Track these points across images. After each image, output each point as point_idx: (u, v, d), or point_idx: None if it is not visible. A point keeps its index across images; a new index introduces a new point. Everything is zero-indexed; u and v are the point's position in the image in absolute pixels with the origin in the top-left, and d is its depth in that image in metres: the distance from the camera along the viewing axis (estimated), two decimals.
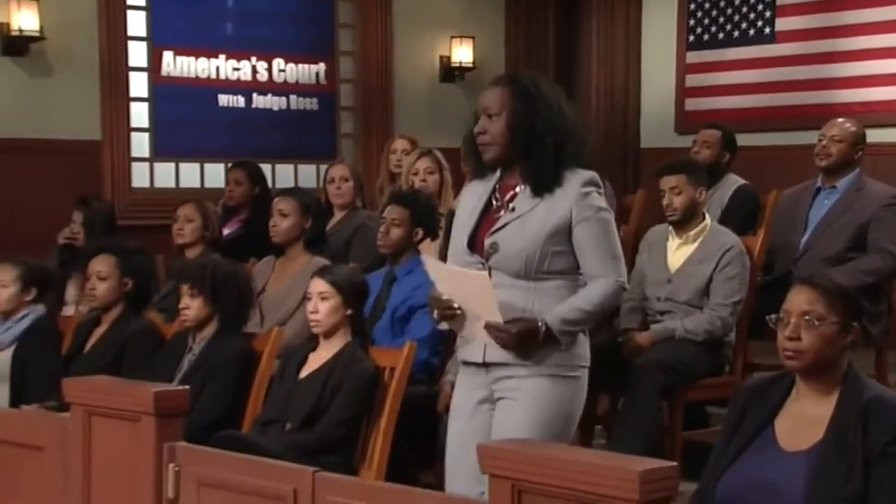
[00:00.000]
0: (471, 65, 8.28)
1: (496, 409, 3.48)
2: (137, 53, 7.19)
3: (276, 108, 7.79)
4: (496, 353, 3.41)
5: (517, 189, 3.49)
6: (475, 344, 3.46)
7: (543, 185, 3.43)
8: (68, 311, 5.50)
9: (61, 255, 5.99)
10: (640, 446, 4.44)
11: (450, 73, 8.27)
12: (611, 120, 8.48)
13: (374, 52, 8.03)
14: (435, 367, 4.67)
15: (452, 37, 8.27)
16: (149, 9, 7.22)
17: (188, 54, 7.40)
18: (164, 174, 7.45)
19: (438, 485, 4.12)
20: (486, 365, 3.46)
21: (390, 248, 4.89)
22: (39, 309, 5.00)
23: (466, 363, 3.54)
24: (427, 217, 4.96)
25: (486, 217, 3.52)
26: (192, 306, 4.40)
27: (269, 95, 7.75)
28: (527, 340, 3.35)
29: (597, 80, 8.51)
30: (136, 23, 7.17)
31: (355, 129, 8.11)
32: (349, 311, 4.17)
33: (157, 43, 7.27)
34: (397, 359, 4.13)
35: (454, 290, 3.45)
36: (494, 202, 3.53)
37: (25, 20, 6.49)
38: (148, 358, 4.58)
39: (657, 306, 5.03)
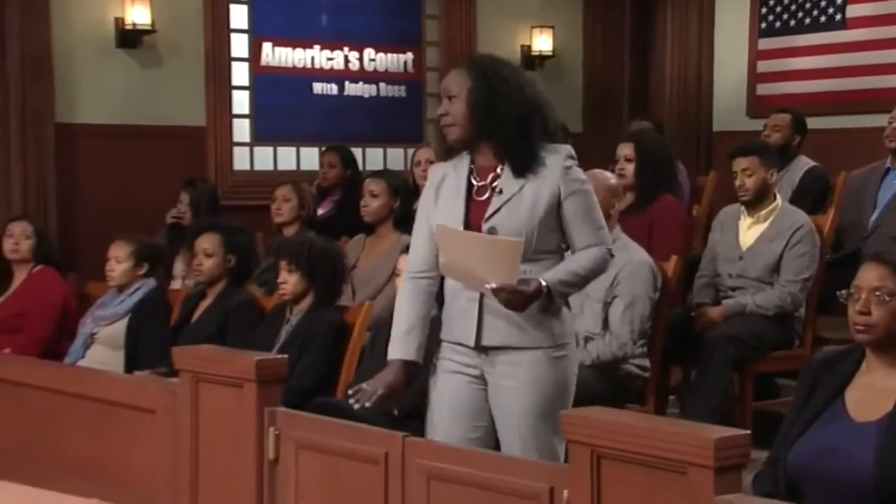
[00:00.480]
0: (550, 53, 8.22)
1: (493, 394, 3.33)
2: (239, 45, 7.23)
3: (366, 96, 7.80)
4: (491, 338, 3.28)
5: (498, 170, 3.33)
6: (465, 325, 3.31)
7: (522, 163, 3.29)
8: (175, 284, 5.57)
9: (170, 233, 6.06)
10: (711, 416, 4.40)
11: (530, 61, 8.21)
12: (684, 104, 8.36)
13: (459, 41, 7.99)
14: None
15: (533, 26, 8.22)
16: (250, 3, 7.25)
17: (285, 45, 7.43)
18: (264, 157, 7.49)
19: None
20: (478, 348, 3.32)
21: None
22: (150, 283, 5.07)
23: (455, 343, 3.37)
24: None
25: (471, 201, 3.33)
26: (289, 281, 4.42)
27: (361, 83, 7.76)
28: (532, 301, 3.22)
29: (671, 66, 8.39)
30: (238, 16, 7.21)
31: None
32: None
33: (257, 35, 7.31)
34: None
35: (465, 257, 3.26)
36: (475, 183, 3.35)
37: (138, 15, 6.56)
38: (249, 329, 4.61)
39: (729, 282, 4.97)
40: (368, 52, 7.73)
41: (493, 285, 3.16)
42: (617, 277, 4.33)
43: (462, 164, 3.38)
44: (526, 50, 8.20)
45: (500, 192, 3.30)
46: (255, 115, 7.38)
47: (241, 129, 7.34)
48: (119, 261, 5.00)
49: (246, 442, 3.44)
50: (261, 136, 7.43)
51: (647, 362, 4.43)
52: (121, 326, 4.95)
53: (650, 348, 4.46)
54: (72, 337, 5.08)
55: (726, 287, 4.98)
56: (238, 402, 3.48)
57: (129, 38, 6.60)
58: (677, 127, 8.13)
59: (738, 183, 4.97)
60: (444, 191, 3.38)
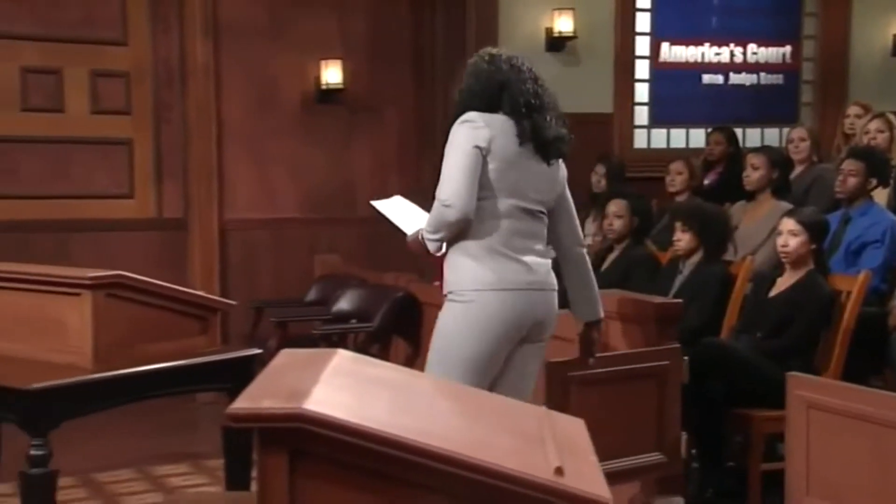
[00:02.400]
0: None
1: None
2: (642, 45, 7.14)
3: (747, 84, 7.46)
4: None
5: None
6: None
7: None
8: (587, 241, 5.61)
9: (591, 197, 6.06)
10: None
11: None
12: None
13: (834, 35, 7.44)
14: (884, 292, 4.31)
15: None
16: (653, 10, 7.14)
17: (680, 44, 7.25)
18: (658, 137, 7.37)
19: (886, 387, 3.80)
20: None
21: (847, 194, 4.55)
22: None
23: None
24: (880, 168, 4.58)
25: None
26: (683, 239, 4.34)
27: (743, 74, 7.43)
28: (416, 246, 3.00)
29: None
30: (643, 22, 7.11)
31: (814, 99, 7.58)
32: (813, 246, 3.93)
33: (657, 36, 7.17)
34: (853, 284, 3.86)
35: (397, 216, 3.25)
36: None
37: (564, 24, 6.63)
38: (648, 278, 4.58)
39: None
40: (751, 47, 7.39)
41: None
42: None
43: None
44: None
45: None
46: (653, 102, 7.26)
47: (641, 115, 7.26)
48: None
49: None
50: (657, 119, 7.31)
51: None
52: None
53: None
54: None
55: None
56: (640, 337, 3.47)
57: (555, 43, 6.69)
58: None
59: None
60: None
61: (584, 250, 3.12)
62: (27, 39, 5.55)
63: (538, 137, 2.92)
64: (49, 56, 5.63)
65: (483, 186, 2.86)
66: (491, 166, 2.86)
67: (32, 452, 2.67)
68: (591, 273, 3.10)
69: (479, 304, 2.86)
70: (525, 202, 2.92)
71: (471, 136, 2.87)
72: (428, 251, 2.97)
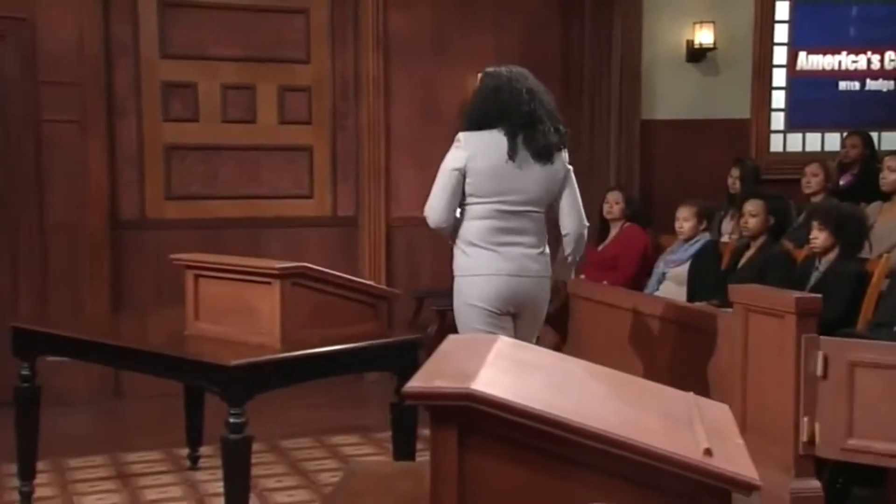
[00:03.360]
0: None
1: None
2: (780, 55, 6.87)
3: (884, 90, 7.04)
4: None
5: None
6: None
7: None
8: (724, 238, 5.45)
9: (728, 198, 5.92)
10: None
11: None
12: None
13: None
14: None
15: None
16: (791, 21, 6.86)
17: (817, 53, 6.93)
18: (794, 142, 7.07)
19: None
20: None
21: None
22: (706, 236, 5.02)
23: None
24: None
25: None
26: (819, 237, 4.15)
27: (880, 80, 7.02)
28: None
29: None
30: (781, 32, 6.84)
31: None
32: None
33: (795, 46, 6.88)
34: None
35: None
36: None
37: (704, 37, 6.48)
38: (783, 274, 4.40)
39: None
40: (889, 55, 6.98)
41: None
42: None
43: None
44: None
45: None
46: (789, 108, 6.97)
47: (777, 120, 6.98)
48: (686, 220, 4.99)
49: (786, 361, 3.30)
50: (793, 124, 7.01)
51: None
52: (685, 268, 4.95)
53: None
54: (649, 275, 5.17)
55: None
56: (780, 330, 3.34)
57: (696, 54, 6.53)
58: None
59: None
60: None
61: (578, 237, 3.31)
62: (227, 60, 5.83)
63: (531, 148, 3.15)
64: (245, 74, 5.89)
65: (466, 194, 3.19)
66: (469, 180, 3.17)
67: (231, 420, 2.80)
68: (572, 254, 3.33)
69: (463, 287, 3.26)
70: (508, 205, 3.18)
71: (452, 158, 3.19)
72: None
